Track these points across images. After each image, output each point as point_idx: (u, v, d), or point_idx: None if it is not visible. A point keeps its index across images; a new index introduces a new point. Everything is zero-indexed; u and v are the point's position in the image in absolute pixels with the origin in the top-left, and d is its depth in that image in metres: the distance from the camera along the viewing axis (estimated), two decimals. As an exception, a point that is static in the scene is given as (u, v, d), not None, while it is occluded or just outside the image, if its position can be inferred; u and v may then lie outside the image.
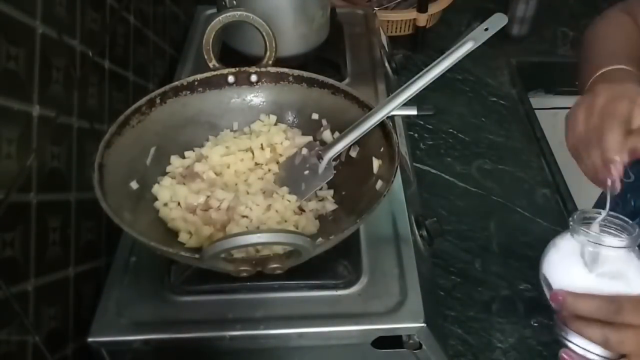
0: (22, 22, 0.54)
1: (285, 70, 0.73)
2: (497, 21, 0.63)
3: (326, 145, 0.68)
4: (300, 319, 0.61)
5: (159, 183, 0.67)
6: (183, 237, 0.62)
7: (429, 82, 0.65)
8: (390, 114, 0.65)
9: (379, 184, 0.63)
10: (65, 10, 0.62)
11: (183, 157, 0.71)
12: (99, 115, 0.72)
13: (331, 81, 0.72)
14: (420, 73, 0.65)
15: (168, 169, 0.69)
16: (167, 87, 0.71)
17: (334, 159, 0.68)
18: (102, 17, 0.73)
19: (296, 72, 0.73)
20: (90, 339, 0.60)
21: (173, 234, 0.63)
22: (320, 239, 0.53)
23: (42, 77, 0.57)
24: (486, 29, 0.64)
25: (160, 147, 0.69)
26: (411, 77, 0.66)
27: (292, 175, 0.69)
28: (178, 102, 0.71)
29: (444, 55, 0.65)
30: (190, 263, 0.57)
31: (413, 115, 0.82)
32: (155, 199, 0.66)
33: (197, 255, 0.51)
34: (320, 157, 0.67)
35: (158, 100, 0.69)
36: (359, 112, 0.68)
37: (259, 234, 0.48)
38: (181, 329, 0.60)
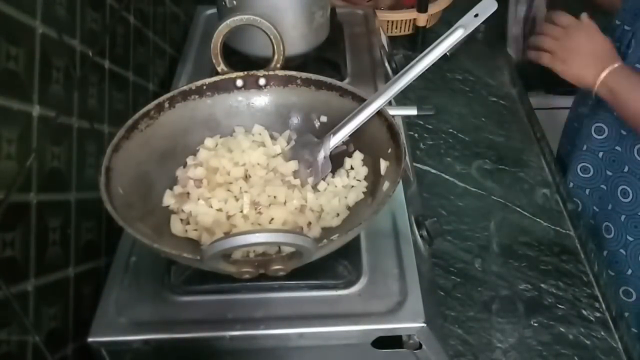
0: (22, 22, 0.54)
1: (293, 73, 0.74)
2: (487, 6, 0.63)
3: (324, 138, 0.69)
4: (300, 319, 0.61)
5: (171, 189, 0.67)
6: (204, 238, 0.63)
7: (422, 70, 0.65)
8: (388, 108, 0.65)
9: (386, 185, 0.63)
10: (65, 10, 0.62)
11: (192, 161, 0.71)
12: (99, 115, 0.72)
13: (339, 83, 0.72)
14: (413, 62, 0.65)
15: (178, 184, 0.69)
16: (175, 91, 0.71)
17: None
18: (102, 17, 0.73)
19: (304, 75, 0.73)
20: (90, 339, 0.60)
21: (178, 237, 0.64)
22: (324, 241, 0.53)
23: (42, 77, 0.57)
24: (476, 15, 0.63)
25: (169, 151, 0.69)
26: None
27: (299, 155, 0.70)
28: (186, 106, 0.71)
29: (435, 43, 0.64)
30: (192, 265, 0.57)
31: (413, 115, 0.82)
32: (161, 202, 0.66)
33: (198, 257, 0.51)
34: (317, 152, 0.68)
35: (167, 105, 0.70)
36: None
37: (258, 234, 0.48)
38: (181, 329, 0.60)
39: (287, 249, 0.57)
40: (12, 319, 0.52)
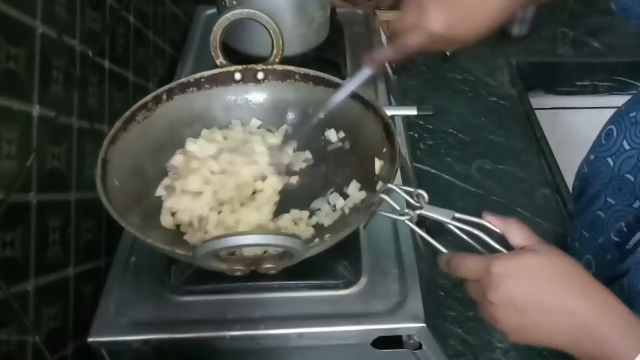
0: (22, 22, 0.54)
1: (292, 68, 0.74)
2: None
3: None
4: (300, 319, 0.61)
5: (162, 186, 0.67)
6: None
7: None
8: (387, 108, 0.66)
9: (379, 184, 0.63)
10: (65, 10, 0.62)
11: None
12: (99, 115, 0.72)
13: (337, 80, 0.72)
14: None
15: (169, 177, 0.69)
16: (173, 83, 0.71)
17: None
18: (102, 17, 0.73)
19: (302, 70, 0.73)
20: (90, 339, 0.60)
21: (172, 231, 0.64)
22: (317, 240, 0.53)
23: (42, 77, 0.57)
24: None
25: (166, 143, 0.69)
26: (411, 77, 0.66)
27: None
28: (184, 99, 0.71)
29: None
30: (183, 260, 0.57)
31: (413, 115, 0.82)
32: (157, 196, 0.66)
33: (190, 254, 0.51)
34: None
35: (164, 97, 0.70)
36: (364, 111, 0.68)
37: (248, 236, 0.48)
38: (181, 329, 0.60)
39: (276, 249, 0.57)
40: (12, 319, 0.52)
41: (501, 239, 0.53)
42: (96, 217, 0.68)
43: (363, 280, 0.64)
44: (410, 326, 0.60)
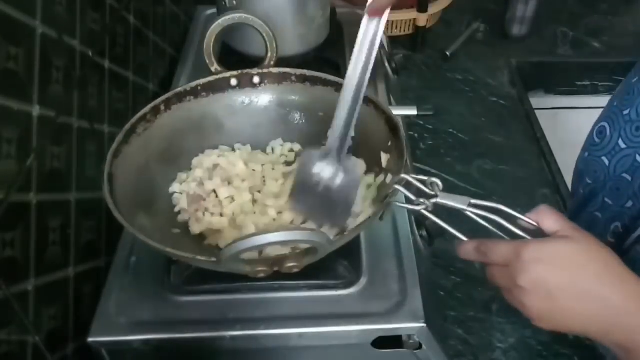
0: (22, 22, 0.54)
1: (288, 70, 0.74)
2: None
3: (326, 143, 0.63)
4: (300, 319, 0.61)
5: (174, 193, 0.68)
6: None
7: None
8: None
9: (389, 178, 0.63)
10: (65, 10, 0.62)
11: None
12: (99, 115, 0.72)
13: (334, 78, 0.71)
14: None
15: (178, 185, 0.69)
16: (170, 93, 0.71)
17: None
18: (102, 17, 0.73)
19: (299, 71, 0.73)
20: (90, 339, 0.60)
21: (184, 236, 0.64)
22: (337, 235, 0.53)
23: (42, 77, 0.57)
24: None
25: (168, 152, 0.69)
26: (411, 77, 0.66)
27: (313, 205, 0.64)
28: (182, 108, 0.71)
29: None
30: (208, 267, 0.56)
31: (413, 115, 0.82)
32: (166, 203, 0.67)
33: (214, 259, 0.51)
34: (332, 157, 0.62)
35: (162, 107, 0.70)
36: (365, 108, 0.68)
37: (275, 233, 0.48)
38: (181, 329, 0.60)
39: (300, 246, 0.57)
40: (12, 319, 0.52)
41: (517, 223, 0.52)
42: (96, 217, 0.69)
43: (363, 281, 0.64)
44: (410, 326, 0.60)
